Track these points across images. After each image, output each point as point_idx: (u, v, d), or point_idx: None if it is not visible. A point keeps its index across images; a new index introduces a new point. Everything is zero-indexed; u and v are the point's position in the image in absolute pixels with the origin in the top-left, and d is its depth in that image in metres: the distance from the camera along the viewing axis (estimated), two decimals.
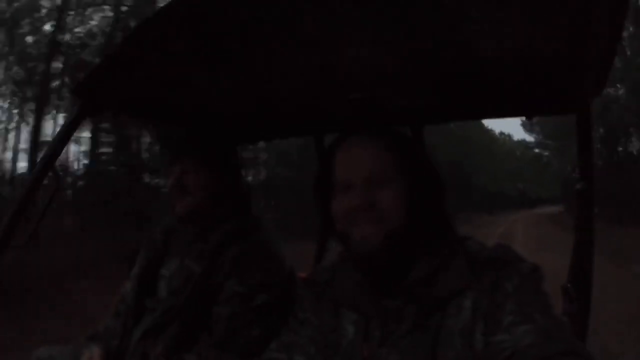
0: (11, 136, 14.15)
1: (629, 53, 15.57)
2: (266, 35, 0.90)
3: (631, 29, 14.49)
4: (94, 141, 11.43)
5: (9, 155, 14.02)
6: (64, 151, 1.25)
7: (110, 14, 11.84)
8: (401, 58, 1.00)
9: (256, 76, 1.13)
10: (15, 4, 11.25)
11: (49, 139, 11.28)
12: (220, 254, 1.17)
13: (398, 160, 0.84)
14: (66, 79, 11.38)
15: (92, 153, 11.53)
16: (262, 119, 1.53)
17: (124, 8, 11.74)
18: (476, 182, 30.97)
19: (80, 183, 11.34)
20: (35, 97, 11.80)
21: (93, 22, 12.01)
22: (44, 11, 11.63)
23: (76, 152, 12.71)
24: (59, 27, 11.40)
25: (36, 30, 11.76)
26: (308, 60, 1.03)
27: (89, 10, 11.90)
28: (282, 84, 1.19)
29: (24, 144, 13.61)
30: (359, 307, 0.85)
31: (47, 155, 1.16)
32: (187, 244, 1.24)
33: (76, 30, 11.87)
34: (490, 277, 0.77)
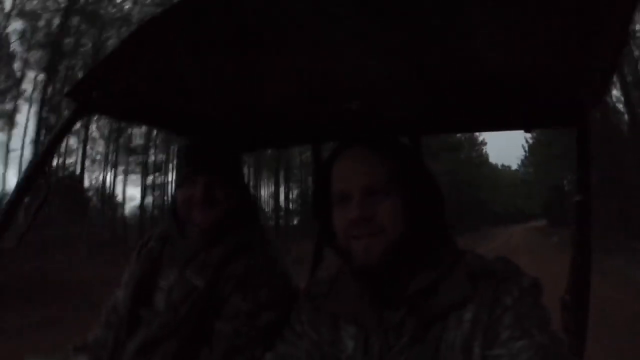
0: None
1: None
2: (266, 42, 0.89)
3: None
4: None
5: None
6: None
7: None
8: (401, 69, 1.00)
9: (255, 83, 1.12)
10: None
11: None
12: (225, 267, 1.12)
13: (396, 170, 0.84)
14: None
15: None
16: (260, 127, 1.52)
17: None
18: (488, 204, 43.48)
19: None
20: None
21: None
22: None
23: None
24: None
25: None
26: (307, 68, 1.02)
27: None
28: (280, 91, 1.19)
29: None
30: (358, 320, 0.84)
31: (39, 157, 1.14)
32: (187, 255, 1.18)
33: None
34: (490, 290, 0.76)
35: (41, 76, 17.83)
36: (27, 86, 18.18)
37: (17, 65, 17.89)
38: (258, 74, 1.06)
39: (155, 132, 20.45)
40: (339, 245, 0.86)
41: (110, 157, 21.78)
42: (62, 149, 17.58)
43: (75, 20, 17.68)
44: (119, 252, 11.88)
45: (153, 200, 23.52)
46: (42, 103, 17.67)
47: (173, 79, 1.08)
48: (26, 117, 18.17)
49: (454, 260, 0.82)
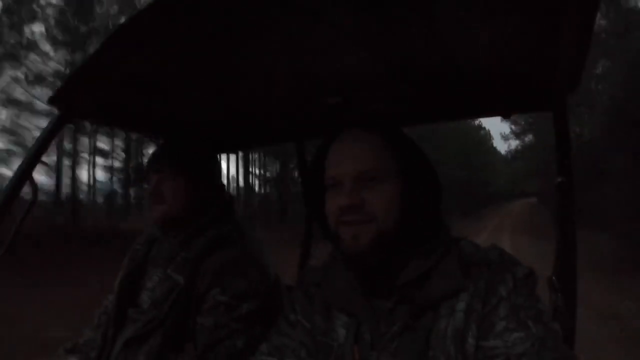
0: None
1: None
2: (243, 41, 0.89)
3: None
4: None
5: None
6: None
7: None
8: (379, 61, 1.00)
9: (234, 83, 1.12)
10: None
11: None
12: (202, 262, 1.15)
13: (391, 157, 0.82)
14: None
15: None
16: (242, 127, 1.52)
17: None
18: (499, 186, 55.01)
19: None
20: None
21: None
22: None
23: None
24: None
25: None
26: (285, 66, 1.02)
27: None
28: (259, 90, 1.19)
29: None
30: (350, 309, 0.83)
31: (24, 165, 1.14)
32: (170, 254, 1.22)
33: None
34: (484, 280, 0.75)
35: None
36: None
37: None
38: (235, 74, 1.06)
39: None
40: (330, 231, 0.85)
41: None
42: None
43: None
44: None
45: None
46: None
47: (152, 83, 1.08)
48: None
49: (446, 249, 0.81)
